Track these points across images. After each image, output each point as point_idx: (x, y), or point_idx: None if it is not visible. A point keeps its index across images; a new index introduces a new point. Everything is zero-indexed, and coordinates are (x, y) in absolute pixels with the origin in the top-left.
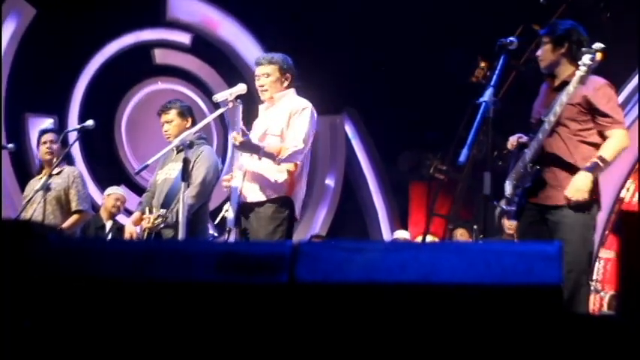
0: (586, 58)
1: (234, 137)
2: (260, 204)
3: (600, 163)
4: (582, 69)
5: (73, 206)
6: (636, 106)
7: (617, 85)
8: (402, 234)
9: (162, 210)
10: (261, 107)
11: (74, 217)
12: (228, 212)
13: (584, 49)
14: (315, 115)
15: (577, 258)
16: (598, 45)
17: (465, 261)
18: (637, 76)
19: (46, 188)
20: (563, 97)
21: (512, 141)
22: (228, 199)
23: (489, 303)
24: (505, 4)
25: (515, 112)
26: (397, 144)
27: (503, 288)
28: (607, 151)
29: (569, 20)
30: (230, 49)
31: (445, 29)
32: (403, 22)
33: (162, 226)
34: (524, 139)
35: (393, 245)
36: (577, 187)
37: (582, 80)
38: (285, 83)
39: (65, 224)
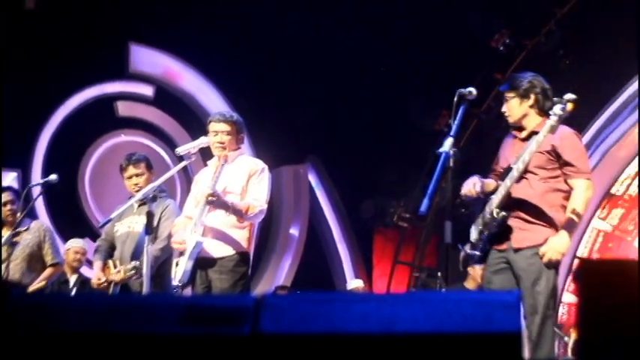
0: (557, 108)
1: (210, 194)
2: (222, 259)
3: (575, 218)
4: (553, 118)
5: (49, 260)
6: (635, 112)
7: (579, 129)
8: (356, 284)
9: (134, 262)
10: (211, 162)
11: (50, 270)
12: (179, 267)
13: (555, 99)
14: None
15: (542, 303)
16: (569, 96)
17: (426, 310)
18: (636, 82)
19: (11, 244)
20: (533, 146)
21: (469, 188)
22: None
23: (451, 351)
24: (466, 52)
25: (478, 159)
26: (361, 192)
27: (463, 336)
28: (577, 204)
29: (527, 72)
30: (192, 100)
31: (408, 78)
32: (366, 72)
33: (135, 277)
34: (479, 186)
35: (356, 296)
36: (556, 248)
37: (553, 130)
38: (240, 143)
39: (42, 277)
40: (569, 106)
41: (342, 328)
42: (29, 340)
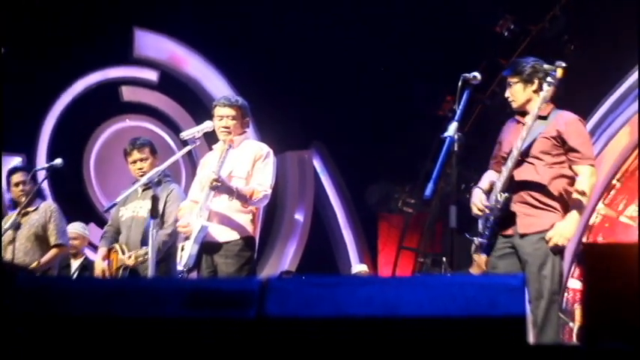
0: (548, 79)
1: (215, 179)
2: (227, 243)
3: (583, 202)
4: (546, 88)
5: (52, 240)
6: (635, 102)
7: (582, 117)
8: (360, 268)
9: (146, 247)
10: (216, 147)
11: (53, 251)
12: (185, 251)
13: (546, 66)
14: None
15: (548, 287)
16: (559, 63)
17: (430, 294)
18: (636, 73)
19: (17, 226)
20: (529, 120)
21: (478, 206)
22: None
23: (455, 334)
24: (471, 38)
25: (482, 144)
26: (365, 177)
27: (467, 320)
28: (584, 185)
29: (529, 57)
30: (197, 85)
31: (412, 63)
32: (370, 56)
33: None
34: (485, 199)
35: (360, 280)
36: (562, 233)
37: (545, 99)
38: (245, 127)
39: (44, 258)
40: (559, 72)
41: (347, 312)
42: (33, 323)
